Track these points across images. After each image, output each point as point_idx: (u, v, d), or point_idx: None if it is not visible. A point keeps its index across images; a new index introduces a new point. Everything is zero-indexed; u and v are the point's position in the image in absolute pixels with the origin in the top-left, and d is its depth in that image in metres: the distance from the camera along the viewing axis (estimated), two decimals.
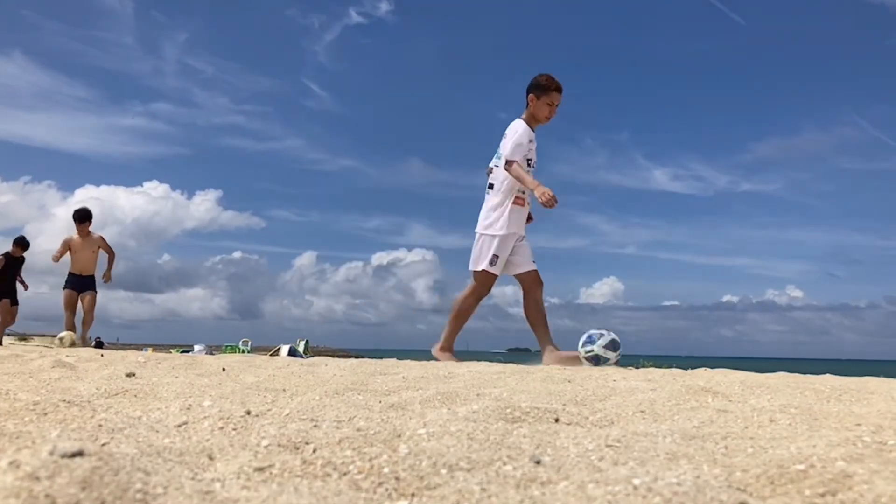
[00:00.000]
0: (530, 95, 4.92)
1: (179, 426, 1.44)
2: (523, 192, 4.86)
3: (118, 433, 1.28)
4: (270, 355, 6.84)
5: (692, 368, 3.66)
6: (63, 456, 0.82)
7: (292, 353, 7.32)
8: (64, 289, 8.89)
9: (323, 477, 1.02)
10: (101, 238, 9.11)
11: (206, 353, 6.76)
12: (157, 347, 7.74)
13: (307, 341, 8.00)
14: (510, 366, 3.67)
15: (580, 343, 4.46)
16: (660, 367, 4.18)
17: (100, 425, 1.36)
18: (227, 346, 10.96)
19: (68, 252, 9.01)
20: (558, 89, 4.93)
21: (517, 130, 4.87)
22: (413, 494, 0.96)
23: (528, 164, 4.86)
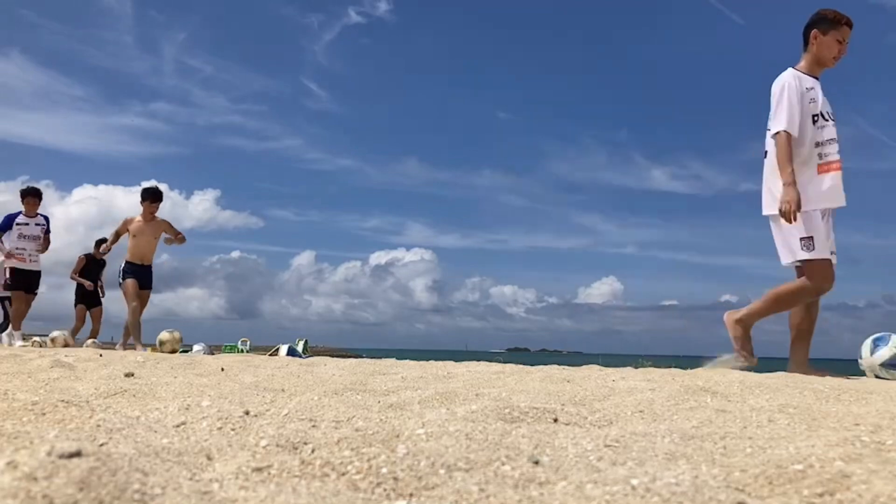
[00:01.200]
0: (813, 32, 3.95)
1: (178, 426, 1.44)
2: (827, 154, 3.75)
3: (116, 433, 1.28)
4: (269, 355, 6.84)
5: (691, 368, 3.66)
6: (61, 456, 0.82)
7: (291, 352, 7.31)
8: (124, 279, 7.37)
9: (321, 477, 1.02)
10: (168, 223, 7.55)
11: (205, 353, 6.76)
12: (157, 348, 7.55)
13: (306, 341, 7.99)
14: (509, 366, 3.67)
15: (869, 351, 3.86)
16: (659, 366, 4.18)
17: (98, 425, 1.36)
18: (226, 346, 10.94)
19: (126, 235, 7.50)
20: (849, 24, 3.93)
21: (783, 85, 3.83)
22: (411, 495, 0.96)
23: (815, 122, 3.81)
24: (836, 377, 3.19)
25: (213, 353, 7.02)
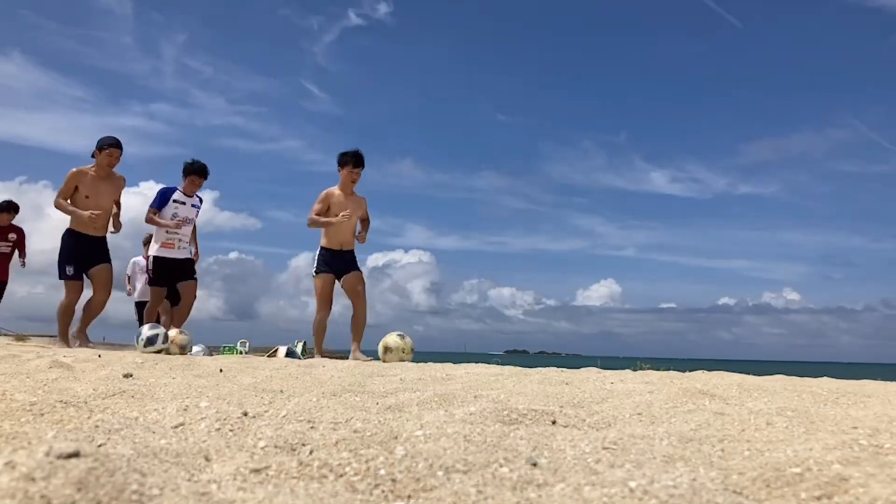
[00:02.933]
0: None
1: (176, 427, 1.44)
2: None
3: (115, 434, 1.28)
4: (268, 356, 6.83)
5: (690, 371, 3.67)
6: (59, 457, 0.82)
7: (290, 354, 7.30)
8: (317, 273, 5.86)
9: (319, 478, 1.02)
10: (364, 201, 6.07)
11: (203, 354, 6.74)
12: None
13: (305, 342, 7.97)
14: (508, 368, 3.67)
15: None
16: (657, 369, 4.18)
17: (96, 426, 1.36)
18: (224, 347, 10.91)
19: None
20: None
21: None
22: (409, 496, 0.96)
23: None
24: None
25: (211, 354, 7.01)
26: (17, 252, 8.65)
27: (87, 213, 5.84)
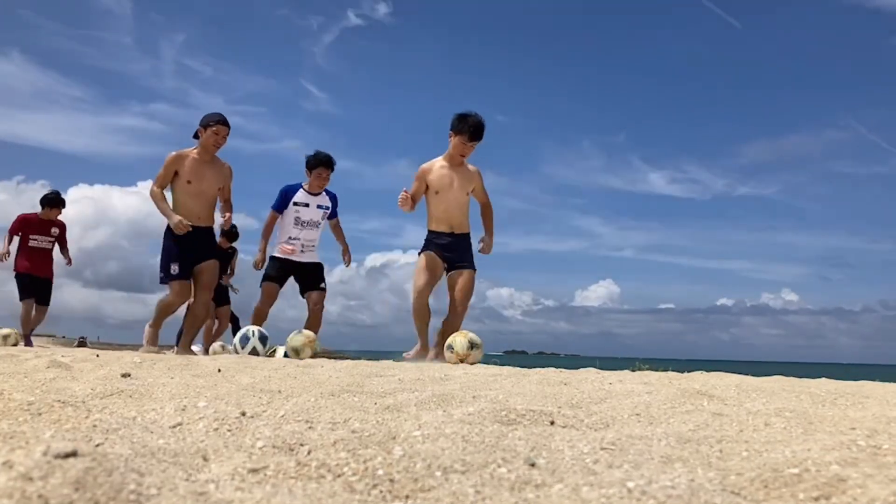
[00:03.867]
0: None
1: (174, 427, 1.43)
2: None
3: (113, 434, 1.28)
4: (266, 356, 6.81)
5: (688, 371, 3.67)
6: (57, 456, 0.82)
7: (284, 354, 7.29)
8: (422, 251, 5.10)
9: (317, 479, 1.01)
10: (477, 174, 5.17)
11: (202, 354, 6.74)
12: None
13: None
14: (506, 368, 3.67)
15: None
16: (656, 370, 4.18)
17: (94, 426, 1.35)
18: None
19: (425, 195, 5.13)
20: None
21: None
22: (407, 497, 0.96)
23: None
24: None
25: (209, 354, 6.99)
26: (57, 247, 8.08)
27: (176, 218, 5.05)
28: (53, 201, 7.94)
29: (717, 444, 1.30)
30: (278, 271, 5.73)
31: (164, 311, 5.33)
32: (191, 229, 5.12)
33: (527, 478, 1.01)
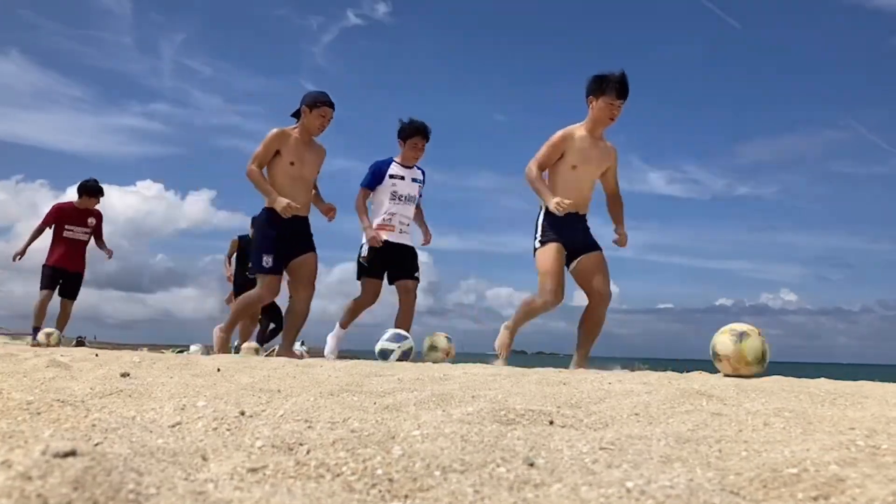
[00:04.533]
0: None
1: (173, 426, 1.43)
2: None
3: (112, 433, 1.28)
4: (266, 356, 6.81)
5: (687, 371, 3.67)
6: (55, 456, 0.82)
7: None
8: (543, 243, 4.25)
9: (316, 478, 1.01)
10: (614, 151, 4.45)
11: (201, 354, 6.74)
12: (153, 347, 7.23)
13: (302, 342, 7.96)
14: (506, 368, 3.67)
15: None
16: (655, 369, 4.18)
17: (93, 425, 1.35)
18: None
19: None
20: None
21: None
22: (406, 496, 0.96)
23: None
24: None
25: (209, 354, 7.00)
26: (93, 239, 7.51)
27: (284, 201, 4.52)
28: (92, 189, 7.41)
29: (716, 443, 1.30)
30: (377, 262, 5.06)
31: (246, 308, 4.82)
32: (297, 213, 4.59)
33: (526, 477, 1.01)
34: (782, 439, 1.36)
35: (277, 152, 4.64)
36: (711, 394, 2.14)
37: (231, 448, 1.19)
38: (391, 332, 4.52)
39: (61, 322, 7.43)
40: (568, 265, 4.29)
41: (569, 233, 4.23)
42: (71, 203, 7.46)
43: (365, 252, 5.05)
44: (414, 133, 5.18)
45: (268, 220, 4.66)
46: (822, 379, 3.25)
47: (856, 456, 1.11)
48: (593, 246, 4.31)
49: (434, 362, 4.23)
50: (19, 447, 0.89)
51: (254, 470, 1.03)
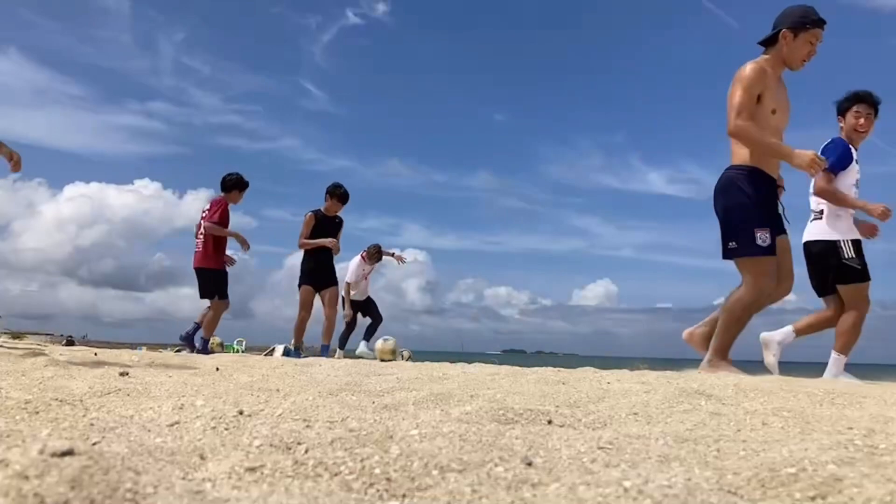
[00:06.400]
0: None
1: (171, 426, 1.43)
2: None
3: (109, 432, 1.28)
4: (264, 355, 6.81)
5: (686, 371, 3.67)
6: (53, 455, 0.82)
7: (287, 353, 7.30)
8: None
9: (314, 477, 1.01)
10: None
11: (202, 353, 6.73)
12: (152, 346, 7.24)
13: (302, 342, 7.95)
14: (504, 367, 3.67)
15: None
16: (654, 369, 4.18)
17: (91, 424, 1.35)
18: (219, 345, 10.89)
19: None
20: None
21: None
22: (404, 495, 0.95)
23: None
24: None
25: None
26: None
27: (809, 153, 3.36)
28: (237, 183, 6.71)
29: (714, 443, 1.30)
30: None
31: (751, 309, 3.59)
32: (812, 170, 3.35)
33: (524, 477, 1.01)
34: (780, 439, 1.36)
35: (758, 97, 3.49)
36: (710, 393, 2.14)
37: (229, 447, 1.19)
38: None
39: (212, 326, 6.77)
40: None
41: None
42: (224, 199, 6.83)
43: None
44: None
45: (754, 186, 3.47)
46: (821, 378, 3.25)
47: (854, 455, 1.11)
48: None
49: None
50: (17, 446, 0.88)
51: (252, 469, 1.03)
